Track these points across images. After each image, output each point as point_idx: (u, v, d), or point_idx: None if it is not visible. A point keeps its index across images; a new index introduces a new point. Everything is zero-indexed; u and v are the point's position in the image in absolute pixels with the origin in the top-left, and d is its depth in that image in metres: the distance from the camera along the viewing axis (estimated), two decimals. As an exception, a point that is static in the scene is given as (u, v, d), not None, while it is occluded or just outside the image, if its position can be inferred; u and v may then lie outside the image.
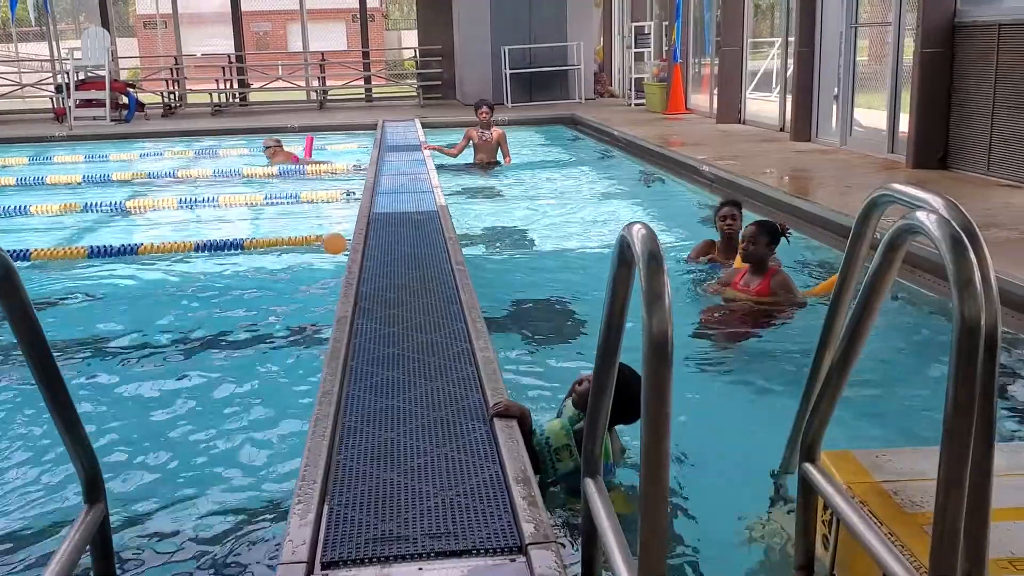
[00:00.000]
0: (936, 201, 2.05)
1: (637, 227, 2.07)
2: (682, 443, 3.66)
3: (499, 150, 11.78)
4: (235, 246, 7.50)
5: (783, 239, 5.48)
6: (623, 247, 2.13)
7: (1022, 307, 4.95)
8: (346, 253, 6.46)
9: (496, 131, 11.79)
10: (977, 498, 1.93)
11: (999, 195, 7.61)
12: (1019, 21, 8.07)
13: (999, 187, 7.97)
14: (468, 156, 11.97)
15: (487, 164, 11.68)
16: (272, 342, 5.27)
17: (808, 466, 2.60)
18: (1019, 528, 2.34)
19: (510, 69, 18.96)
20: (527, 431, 3.34)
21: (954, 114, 8.90)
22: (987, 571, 2.00)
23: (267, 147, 12.39)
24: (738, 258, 5.72)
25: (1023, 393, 4.35)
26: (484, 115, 11.60)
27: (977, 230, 1.97)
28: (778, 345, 5.02)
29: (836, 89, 11.26)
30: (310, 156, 12.52)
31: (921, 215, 1.93)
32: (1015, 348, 4.81)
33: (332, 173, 11.65)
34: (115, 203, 9.76)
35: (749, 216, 8.24)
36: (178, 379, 4.71)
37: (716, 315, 5.43)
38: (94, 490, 2.60)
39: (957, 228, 1.86)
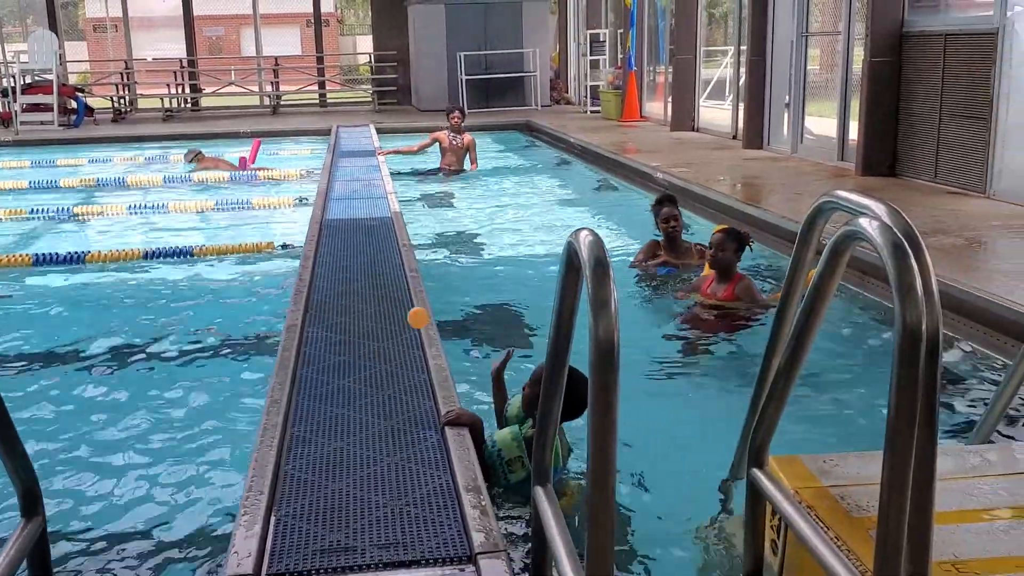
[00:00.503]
0: (879, 208, 2.06)
1: (584, 234, 2.07)
2: (636, 448, 3.67)
3: (467, 156, 11.78)
4: (185, 253, 7.39)
5: (748, 247, 5.54)
6: (571, 254, 2.13)
7: (969, 312, 5.03)
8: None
9: (467, 137, 11.79)
10: (920, 501, 1.94)
11: (946, 202, 7.75)
12: (964, 31, 8.24)
13: (946, 194, 8.11)
14: (434, 161, 11.94)
15: (454, 169, 11.66)
16: (220, 351, 5.19)
17: (756, 471, 2.61)
18: (963, 531, 2.37)
19: (466, 75, 18.96)
20: (479, 439, 3.32)
21: (902, 122, 9.05)
22: (930, 574, 2.02)
23: (190, 160, 12.33)
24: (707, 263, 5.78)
25: (970, 397, 4.41)
26: (456, 120, 11.61)
27: (919, 236, 1.99)
28: (740, 350, 5.05)
29: (787, 97, 11.40)
30: (254, 161, 12.37)
31: (864, 221, 1.95)
32: (963, 352, 4.88)
33: (278, 179, 11.57)
34: (62, 209, 9.57)
35: (695, 219, 8.33)
36: (122, 389, 4.62)
37: (685, 320, 5.47)
38: (31, 503, 2.54)
39: (899, 234, 1.87)
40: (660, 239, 6.44)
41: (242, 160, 12.21)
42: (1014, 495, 2.56)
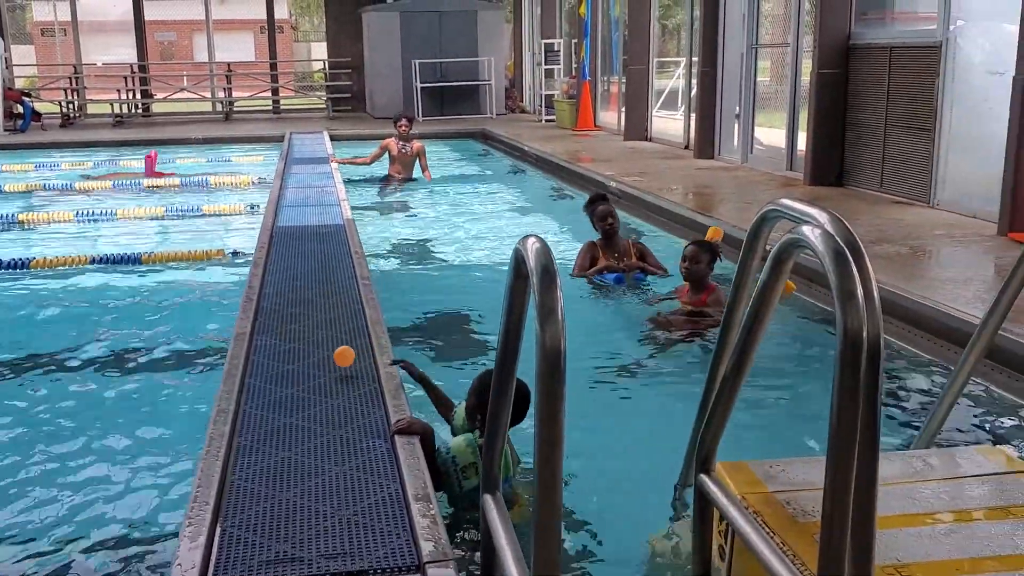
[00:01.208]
0: (822, 216, 2.09)
1: (532, 241, 2.07)
2: (586, 454, 3.67)
3: (417, 164, 11.70)
4: (133, 260, 7.28)
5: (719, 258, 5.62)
6: (518, 261, 2.13)
7: (912, 319, 5.12)
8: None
9: (416, 144, 11.70)
10: (863, 506, 1.97)
11: (891, 211, 7.89)
12: (908, 44, 8.41)
13: (891, 203, 8.27)
14: (383, 169, 11.87)
15: (403, 177, 11.59)
16: (168, 359, 5.10)
17: (704, 477, 2.62)
18: (905, 535, 2.40)
19: (421, 83, 18.94)
20: (430, 449, 3.30)
21: (849, 133, 9.21)
22: (873, 578, 2.04)
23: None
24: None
25: (913, 402, 4.49)
26: (404, 128, 11.49)
27: (860, 244, 2.02)
28: (700, 357, 5.08)
29: (738, 108, 11.55)
30: (152, 172, 12.23)
31: (806, 229, 1.97)
32: (906, 358, 4.96)
33: (230, 185, 11.48)
34: (7, 215, 9.38)
35: (648, 227, 8.38)
36: (64, 397, 4.53)
37: (657, 324, 5.53)
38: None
39: (840, 242, 1.90)
40: (596, 240, 6.47)
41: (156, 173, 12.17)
42: (955, 499, 2.61)
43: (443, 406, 3.73)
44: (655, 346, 5.26)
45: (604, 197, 6.65)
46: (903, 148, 8.43)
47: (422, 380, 3.81)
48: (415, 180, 11.60)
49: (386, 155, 11.71)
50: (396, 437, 3.28)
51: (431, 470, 3.17)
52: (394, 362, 4.03)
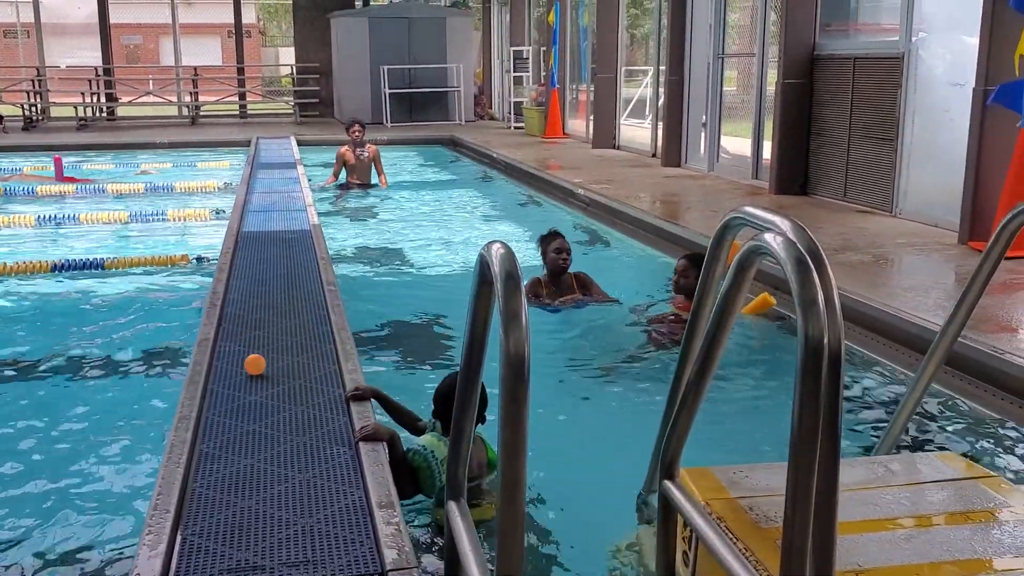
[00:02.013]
0: (784, 224, 2.10)
1: (496, 246, 2.06)
2: (554, 459, 3.67)
3: (374, 169, 11.63)
4: (95, 265, 7.17)
5: None
6: (483, 267, 2.12)
7: (875, 327, 5.18)
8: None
9: (371, 148, 11.62)
10: (823, 512, 1.98)
11: (854, 220, 7.98)
12: (872, 55, 8.53)
13: (854, 212, 8.36)
14: (341, 176, 11.77)
15: (362, 183, 11.52)
16: (130, 365, 5.04)
17: (668, 483, 2.63)
18: (866, 540, 2.42)
19: (390, 89, 18.89)
20: (397, 454, 3.28)
21: (813, 142, 9.31)
22: (833, 583, 2.06)
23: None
24: None
25: (875, 408, 4.53)
26: (357, 133, 11.42)
27: (822, 252, 2.03)
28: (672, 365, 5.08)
29: (704, 117, 11.63)
30: (61, 176, 12.04)
31: (768, 237, 1.98)
32: (868, 365, 5.02)
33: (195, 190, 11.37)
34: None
35: (615, 235, 8.40)
36: (25, 404, 4.46)
37: (649, 324, 5.58)
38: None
39: (802, 250, 1.91)
40: (541, 276, 6.10)
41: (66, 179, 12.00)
42: (915, 504, 2.64)
43: (406, 417, 3.67)
44: (640, 351, 5.28)
45: (560, 234, 6.22)
46: (866, 158, 8.53)
47: (377, 396, 3.70)
48: (374, 186, 11.53)
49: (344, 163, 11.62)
50: (360, 444, 3.26)
51: (400, 474, 3.15)
52: (352, 396, 3.70)
